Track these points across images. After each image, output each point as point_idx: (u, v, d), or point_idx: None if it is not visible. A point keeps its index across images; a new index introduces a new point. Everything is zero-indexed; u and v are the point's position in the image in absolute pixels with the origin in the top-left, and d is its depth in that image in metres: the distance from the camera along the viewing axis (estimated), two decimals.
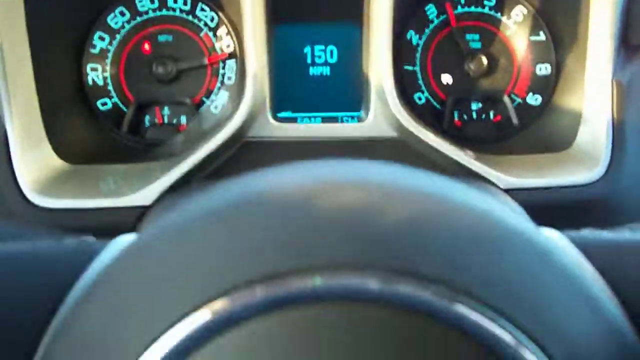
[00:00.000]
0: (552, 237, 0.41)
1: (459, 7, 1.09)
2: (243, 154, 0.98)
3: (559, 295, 0.34)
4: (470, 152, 0.97)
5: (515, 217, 0.37)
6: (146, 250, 0.36)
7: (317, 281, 0.31)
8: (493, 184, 0.93)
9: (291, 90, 1.05)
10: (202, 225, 0.35)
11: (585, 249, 0.40)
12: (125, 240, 0.41)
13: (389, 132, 0.99)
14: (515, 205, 0.83)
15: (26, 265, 0.41)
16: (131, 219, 0.89)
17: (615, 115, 0.97)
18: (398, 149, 0.99)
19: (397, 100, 0.95)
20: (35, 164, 0.93)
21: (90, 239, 0.56)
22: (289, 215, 0.34)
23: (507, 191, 0.93)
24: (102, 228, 0.90)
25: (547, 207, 0.95)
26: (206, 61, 1.08)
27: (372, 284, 0.31)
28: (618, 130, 0.97)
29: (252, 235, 0.34)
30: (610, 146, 0.96)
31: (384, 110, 0.98)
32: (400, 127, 0.97)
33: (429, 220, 0.34)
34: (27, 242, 0.44)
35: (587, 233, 0.48)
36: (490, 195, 0.57)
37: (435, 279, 0.32)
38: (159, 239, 0.36)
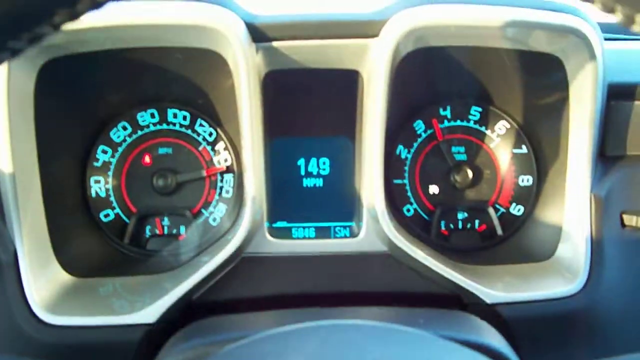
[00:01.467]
0: None
1: (445, 121, 1.14)
2: (241, 268, 1.01)
3: None
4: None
5: None
6: None
7: None
8: (479, 299, 0.98)
9: (286, 201, 1.08)
10: None
11: None
12: None
13: (380, 247, 1.03)
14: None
15: None
16: (136, 336, 0.93)
17: (593, 229, 1.02)
18: (388, 263, 1.03)
19: (387, 219, 0.99)
20: (44, 281, 0.95)
21: None
22: None
23: (493, 305, 0.98)
24: (108, 344, 0.95)
25: (530, 320, 1.00)
26: (204, 174, 1.12)
27: None
28: (597, 244, 1.02)
29: None
30: (589, 260, 1.00)
31: (375, 226, 1.02)
32: (390, 243, 1.00)
33: None
34: None
35: None
36: None
37: None
38: None
